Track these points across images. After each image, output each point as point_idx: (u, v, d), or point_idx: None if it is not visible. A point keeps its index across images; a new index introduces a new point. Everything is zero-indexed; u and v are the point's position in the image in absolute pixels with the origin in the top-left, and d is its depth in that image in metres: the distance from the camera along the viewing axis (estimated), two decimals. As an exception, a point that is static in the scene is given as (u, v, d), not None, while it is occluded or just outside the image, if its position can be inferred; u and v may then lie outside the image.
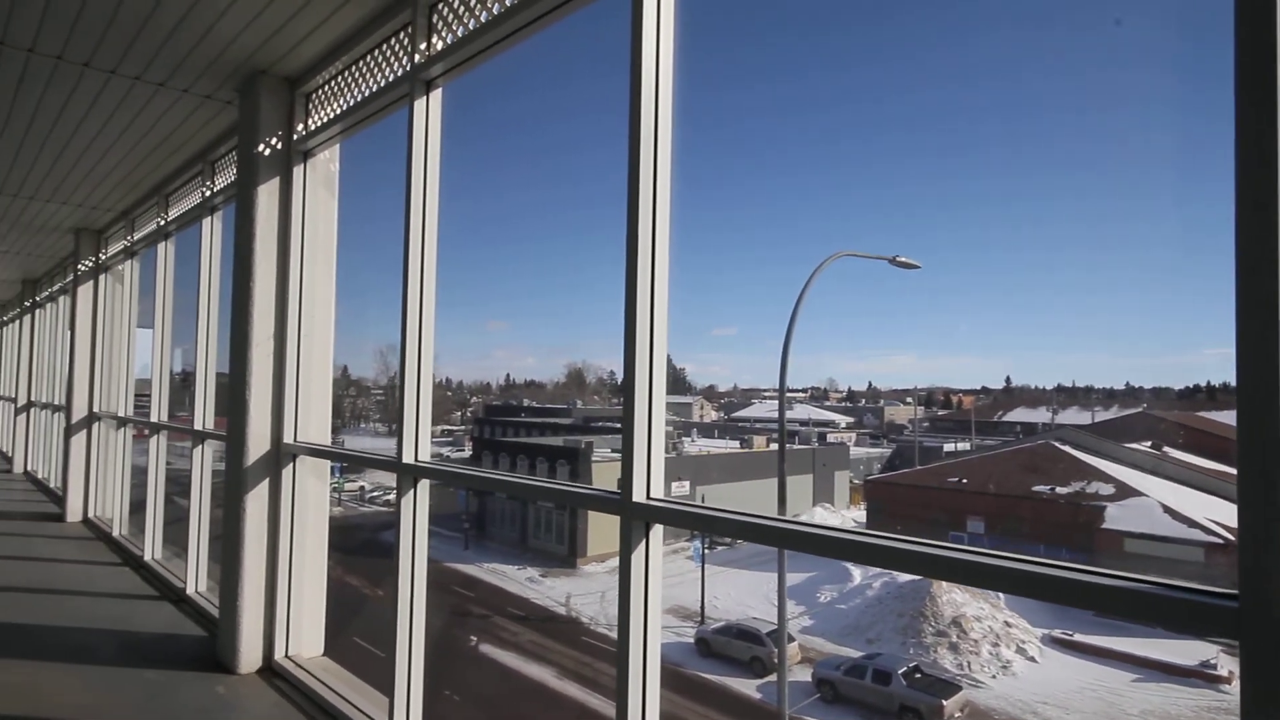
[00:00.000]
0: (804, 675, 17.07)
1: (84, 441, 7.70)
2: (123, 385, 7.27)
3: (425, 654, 3.04)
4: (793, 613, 20.25)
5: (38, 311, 11.27)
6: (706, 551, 25.69)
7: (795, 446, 35.64)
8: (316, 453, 3.85)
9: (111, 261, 7.43)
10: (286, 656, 3.86)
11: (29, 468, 11.50)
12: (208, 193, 5.15)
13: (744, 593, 24.61)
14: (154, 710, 3.39)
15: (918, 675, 15.67)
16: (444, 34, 3.06)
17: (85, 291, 7.76)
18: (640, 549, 2.05)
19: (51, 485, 9.68)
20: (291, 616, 3.91)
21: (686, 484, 30.85)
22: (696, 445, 40.44)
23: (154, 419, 6.14)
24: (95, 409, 7.59)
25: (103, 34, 3.52)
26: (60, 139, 4.95)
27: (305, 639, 3.93)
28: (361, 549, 26.39)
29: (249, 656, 3.84)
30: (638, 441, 2.09)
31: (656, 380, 2.13)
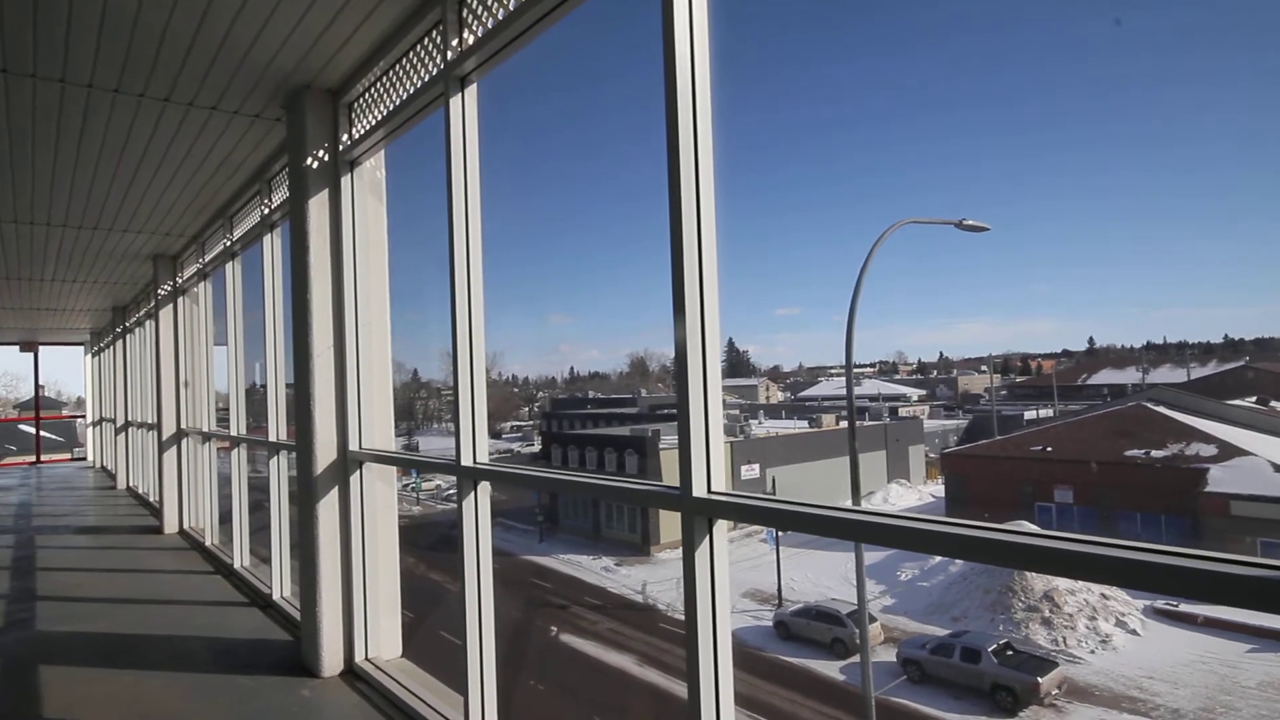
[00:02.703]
0: (888, 656, 16.69)
1: (175, 457, 8.12)
2: (204, 402, 7.61)
3: (506, 645, 3.05)
4: (873, 592, 19.81)
5: (128, 336, 11.95)
6: (780, 533, 25.40)
7: (866, 423, 34.83)
8: (380, 459, 3.90)
9: (187, 284, 7.77)
10: (366, 659, 3.95)
11: (130, 484, 12.24)
12: (266, 210, 5.29)
13: (820, 574, 24.23)
14: (247, 715, 3.51)
15: (1009, 652, 15.07)
16: (474, 28, 3.00)
17: (166, 314, 8.15)
18: (704, 546, 1.95)
19: (150, 499, 10.27)
20: (369, 619, 3.99)
21: (756, 468, 30.54)
22: (764, 427, 40.01)
23: (233, 432, 6.40)
24: (182, 426, 7.98)
25: (153, 64, 3.61)
26: (129, 170, 5.16)
27: (384, 641, 4.00)
28: (440, 544, 27.17)
29: (331, 660, 3.94)
30: (694, 432, 1.99)
31: (711, 366, 2.02)
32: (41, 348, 17.88)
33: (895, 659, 16.35)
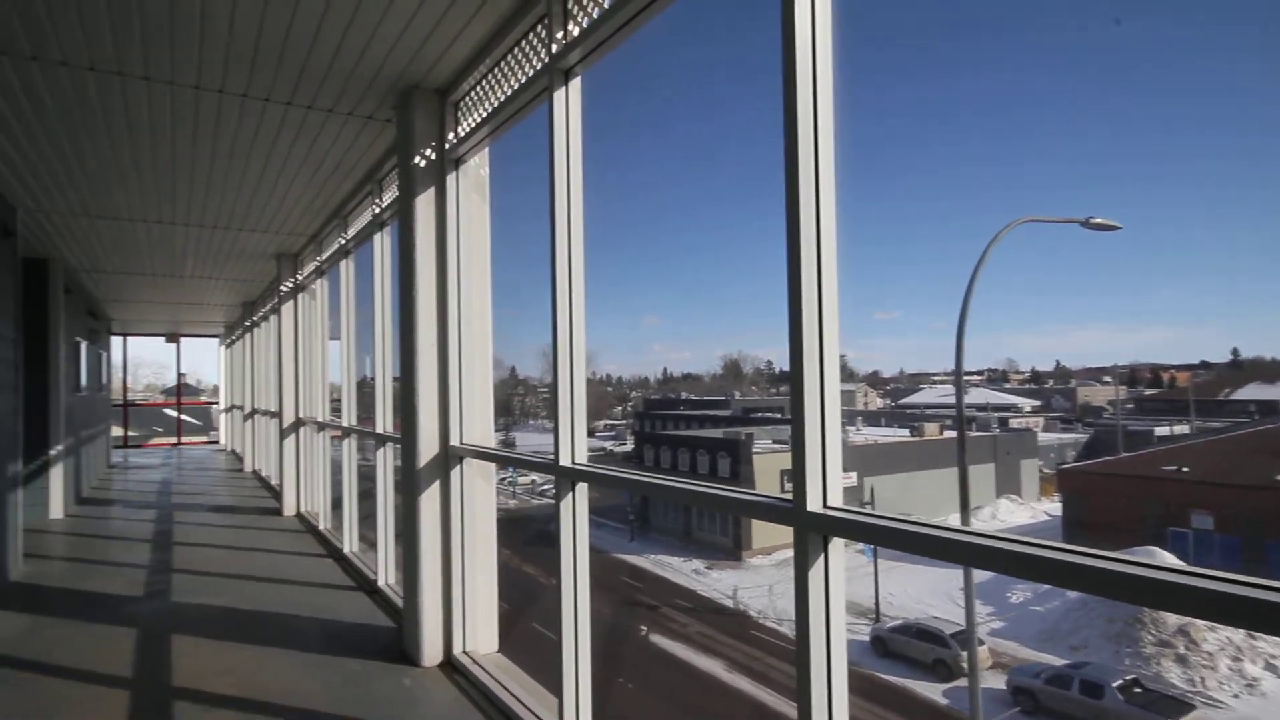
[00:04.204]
0: (996, 682, 15.68)
1: (293, 444, 8.61)
2: (320, 393, 8.02)
3: (597, 641, 2.96)
4: (980, 613, 18.65)
5: (255, 330, 12.83)
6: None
7: (973, 433, 32.98)
8: (480, 455, 3.92)
9: (306, 281, 8.21)
10: (464, 652, 3.98)
11: (255, 467, 13.15)
12: (377, 209, 5.48)
13: (921, 590, 23.12)
14: (351, 699, 3.60)
15: (1138, 690, 13.81)
16: (579, 18, 2.94)
17: (288, 310, 8.67)
18: (819, 565, 1.78)
19: (272, 483, 10.97)
20: (467, 613, 4.03)
21: (853, 476, 29.51)
22: (862, 434, 38.66)
23: (345, 423, 6.68)
24: (300, 415, 8.45)
25: (276, 69, 3.78)
26: (255, 171, 5.48)
27: (481, 635, 4.03)
28: (536, 539, 27.79)
29: (430, 650, 4.00)
30: (809, 441, 1.82)
31: (829, 372, 1.85)
32: (183, 339, 19.56)
33: (1005, 687, 15.33)
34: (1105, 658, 15.94)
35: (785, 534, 1.85)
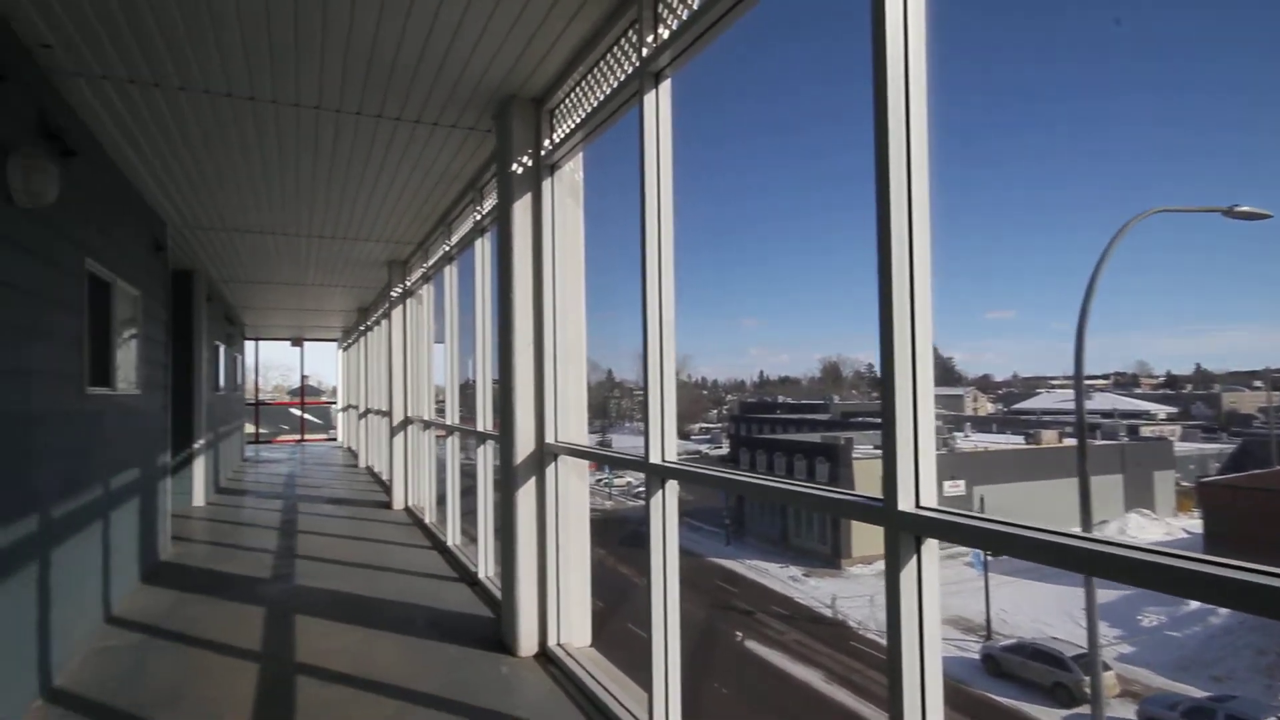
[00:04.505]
0: (1124, 711, 14.49)
1: (402, 442, 9.11)
2: (425, 393, 8.44)
3: (691, 644, 2.98)
4: (1105, 635, 17.30)
5: (368, 334, 13.66)
6: (990, 558, 23.11)
7: (1098, 441, 30.64)
8: (575, 452, 4.02)
9: (413, 287, 8.68)
10: (558, 644, 4.09)
11: (368, 463, 13.99)
12: (478, 216, 5.72)
13: (1039, 608, 21.74)
14: (452, 683, 3.77)
15: (1293, 730, 12.42)
16: (669, 20, 2.97)
17: (397, 314, 9.18)
18: (910, 566, 1.72)
19: (383, 478, 11.63)
20: (562, 607, 4.13)
21: (961, 484, 28.08)
22: (970, 441, 36.71)
23: (448, 422, 7.01)
24: (408, 414, 8.92)
25: (385, 87, 4.03)
26: (369, 184, 5.85)
27: (574, 629, 4.12)
28: (630, 540, 28.03)
29: (526, 641, 4.13)
30: (901, 441, 1.76)
31: (922, 371, 1.79)
32: (306, 343, 21.11)
33: (1136, 718, 14.14)
34: (1254, 692, 14.41)
35: (884, 554, 1.80)
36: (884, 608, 1.78)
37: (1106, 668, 15.14)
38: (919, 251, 1.83)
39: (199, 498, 9.46)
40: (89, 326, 4.47)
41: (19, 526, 3.41)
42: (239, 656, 4.22)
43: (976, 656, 18.18)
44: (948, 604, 22.32)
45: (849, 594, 23.01)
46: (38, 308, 3.63)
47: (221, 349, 11.94)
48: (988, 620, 20.02)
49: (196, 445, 9.37)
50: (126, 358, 5.45)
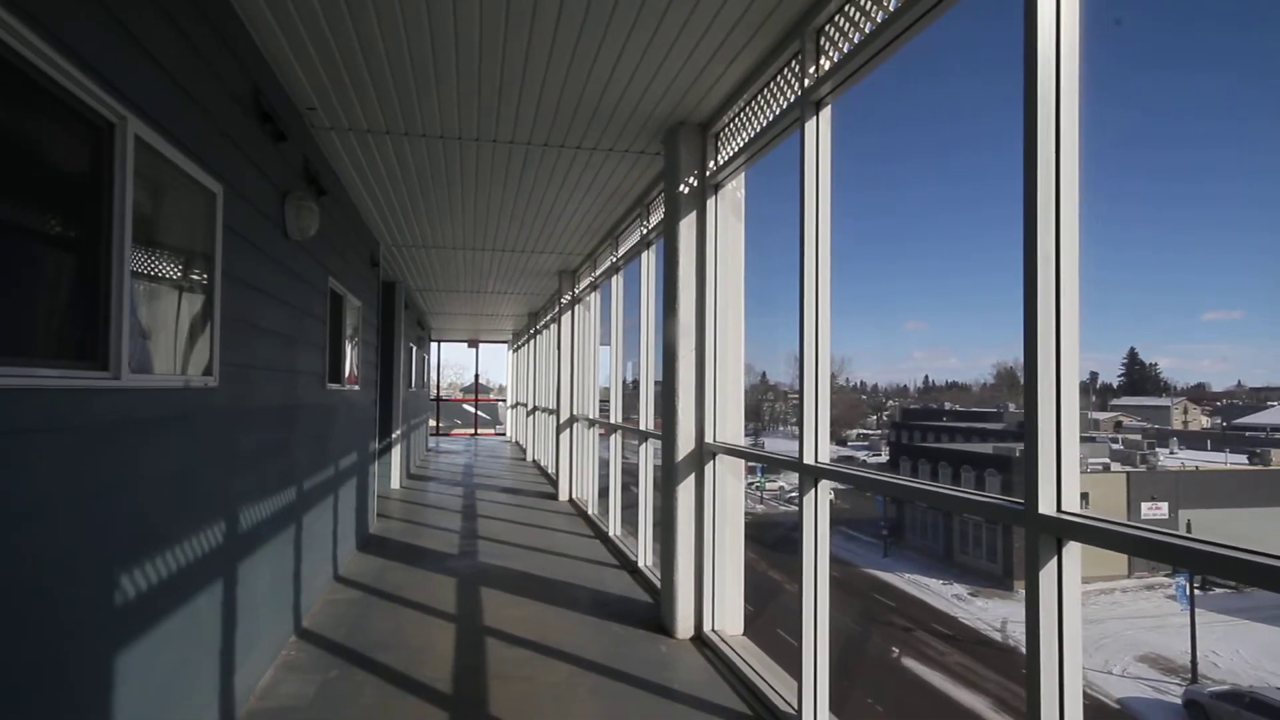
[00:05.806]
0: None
1: (568, 438, 9.84)
2: (590, 393, 9.08)
3: (842, 653, 3.15)
4: (1345, 693, 14.82)
5: (537, 337, 14.75)
6: (1199, 592, 20.50)
7: (1345, 466, 26.12)
8: (732, 451, 4.30)
9: (581, 294, 9.36)
10: (713, 630, 4.39)
11: (535, 457, 15.09)
12: (644, 231, 6.16)
13: (1260, 652, 19.04)
14: (617, 656, 4.20)
15: None
16: (830, 54, 3.17)
17: (566, 319, 9.93)
18: (1050, 568, 1.83)
19: (549, 471, 12.54)
20: (716, 596, 4.44)
21: (1164, 506, 25.11)
22: (1177, 458, 32.59)
23: (612, 420, 7.54)
24: (574, 412, 9.63)
25: (570, 120, 4.54)
26: (547, 204, 6.49)
27: (728, 618, 4.41)
28: (780, 544, 27.74)
29: (684, 625, 4.48)
30: (1043, 443, 1.88)
31: (1066, 374, 1.89)
32: (480, 345, 23.04)
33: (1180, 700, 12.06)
34: None
35: (1024, 557, 1.90)
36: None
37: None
38: (1065, 258, 1.91)
39: (396, 481, 10.77)
40: (329, 333, 5.41)
41: (283, 496, 4.25)
42: (436, 616, 4.93)
43: (1178, 701, 16.26)
44: (1147, 640, 20.07)
45: (1022, 618, 21.33)
46: (300, 319, 4.49)
47: (413, 350, 13.46)
48: (1193, 661, 17.82)
49: (394, 435, 10.68)
50: (350, 358, 6.46)
